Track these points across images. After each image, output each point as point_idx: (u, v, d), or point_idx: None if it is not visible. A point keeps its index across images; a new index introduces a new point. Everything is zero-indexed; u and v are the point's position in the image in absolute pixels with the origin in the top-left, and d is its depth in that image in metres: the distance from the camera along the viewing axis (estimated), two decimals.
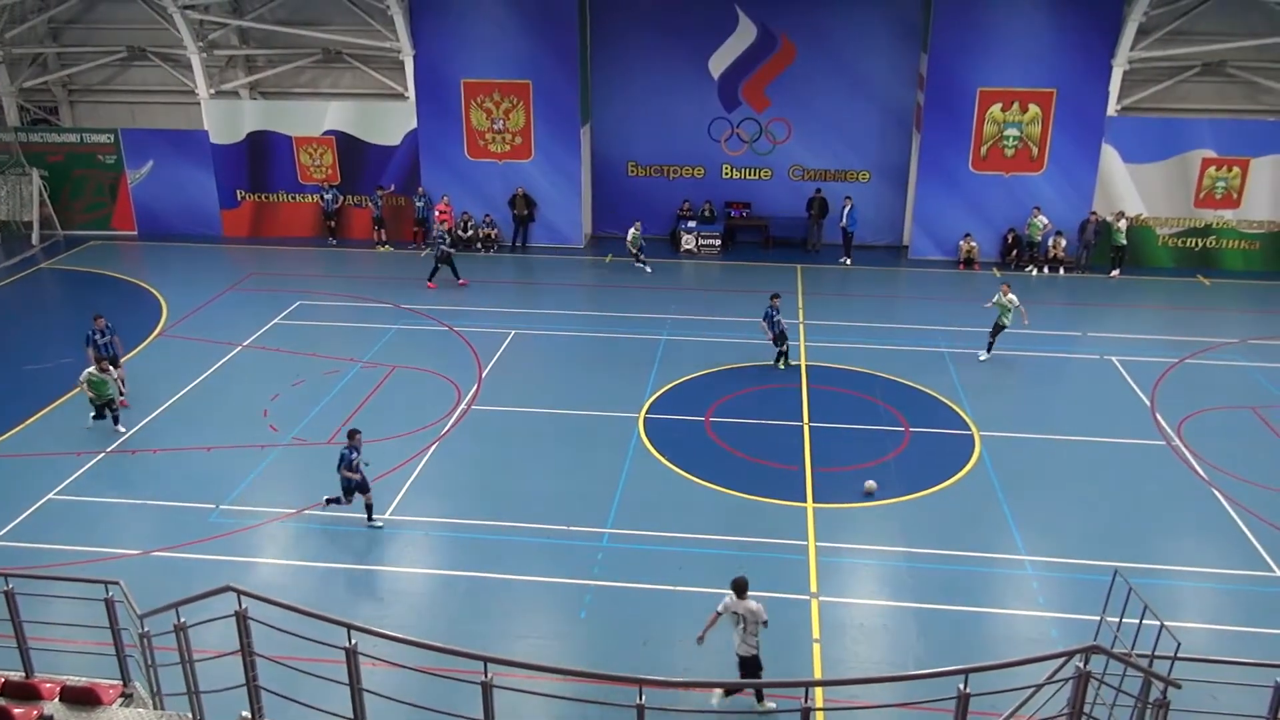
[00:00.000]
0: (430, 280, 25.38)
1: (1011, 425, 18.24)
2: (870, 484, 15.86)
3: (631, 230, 27.04)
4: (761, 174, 29.35)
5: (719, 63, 28.34)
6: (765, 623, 11.16)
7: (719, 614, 11.19)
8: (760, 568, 13.95)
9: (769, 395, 19.48)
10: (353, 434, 14.99)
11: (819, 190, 28.52)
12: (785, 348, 20.60)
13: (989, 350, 21.02)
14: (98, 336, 18.49)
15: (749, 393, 19.65)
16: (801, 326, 22.84)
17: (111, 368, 17.57)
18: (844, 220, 27.69)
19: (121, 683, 9.03)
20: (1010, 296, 20.63)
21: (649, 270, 26.64)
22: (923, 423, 18.41)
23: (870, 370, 20.54)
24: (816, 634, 12.68)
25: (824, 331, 22.62)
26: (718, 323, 23.30)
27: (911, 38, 27.53)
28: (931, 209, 27.71)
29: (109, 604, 8.79)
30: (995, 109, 26.58)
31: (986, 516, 15.38)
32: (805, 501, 15.75)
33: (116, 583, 8.91)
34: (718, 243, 28.71)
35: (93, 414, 17.59)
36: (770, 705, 11.61)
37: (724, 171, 29.41)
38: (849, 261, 27.86)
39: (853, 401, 19.26)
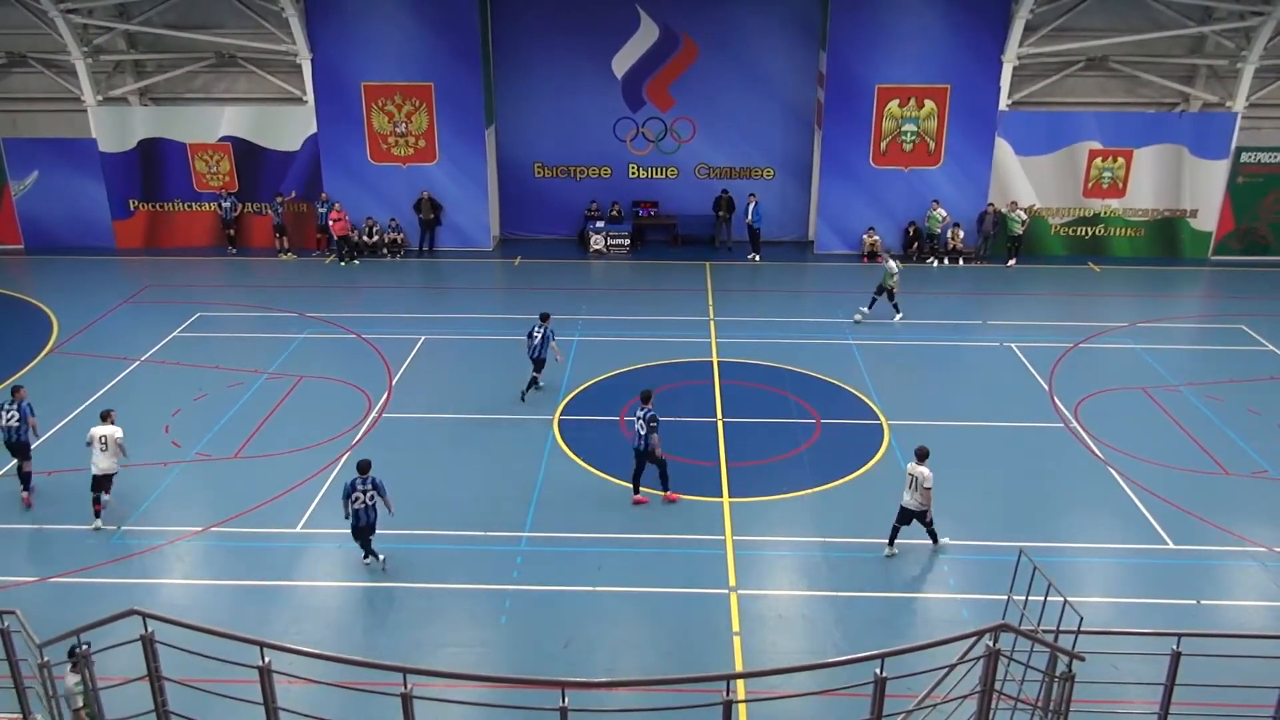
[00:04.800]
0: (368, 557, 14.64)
1: (918, 413, 18.69)
2: None
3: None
4: (668, 173, 29.52)
5: (622, 63, 28.42)
6: (929, 489, 13.78)
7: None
8: (679, 563, 14.10)
9: (682, 393, 19.61)
10: None
11: (725, 190, 28.81)
12: (535, 377, 19.05)
13: (870, 307, 23.09)
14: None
15: (662, 390, 19.69)
16: (712, 323, 23.09)
17: None
18: (749, 217, 28.05)
19: (21, 715, 8.67)
20: (891, 264, 22.94)
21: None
22: (833, 414, 18.75)
23: (781, 364, 20.84)
24: (736, 627, 12.83)
25: (734, 327, 22.88)
26: (629, 322, 23.37)
27: (810, 36, 28.00)
28: (835, 204, 28.21)
29: (4, 634, 8.43)
30: (893, 105, 27.20)
31: (897, 504, 15.70)
32: (721, 496, 15.92)
33: (12, 612, 8.55)
34: (627, 242, 28.78)
35: None
36: (944, 540, 14.41)
37: (630, 171, 29.50)
38: (757, 258, 28.21)
39: (765, 396, 19.52)
